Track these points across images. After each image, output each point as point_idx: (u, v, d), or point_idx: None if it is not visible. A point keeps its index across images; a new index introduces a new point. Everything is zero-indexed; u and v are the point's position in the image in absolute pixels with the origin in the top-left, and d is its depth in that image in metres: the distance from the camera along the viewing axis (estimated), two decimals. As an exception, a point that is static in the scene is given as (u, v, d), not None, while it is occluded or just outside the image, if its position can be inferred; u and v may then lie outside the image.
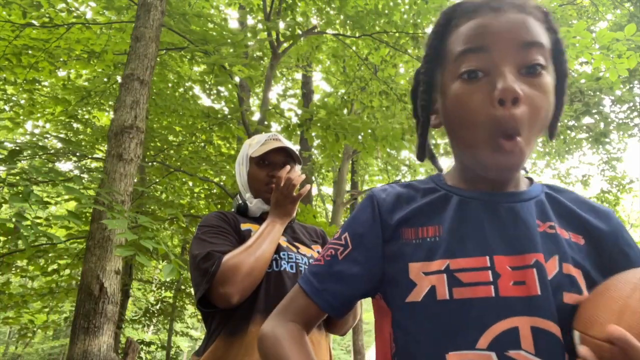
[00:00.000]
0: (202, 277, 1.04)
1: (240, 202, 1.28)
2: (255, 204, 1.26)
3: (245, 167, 1.29)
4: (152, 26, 2.94)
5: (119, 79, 5.50)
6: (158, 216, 4.89)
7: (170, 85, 5.89)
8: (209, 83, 5.45)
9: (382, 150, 4.93)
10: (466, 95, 0.60)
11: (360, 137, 4.61)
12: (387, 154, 6.75)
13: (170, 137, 5.41)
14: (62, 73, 5.88)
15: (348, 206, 10.15)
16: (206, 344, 1.11)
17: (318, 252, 1.32)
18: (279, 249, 1.18)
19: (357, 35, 5.31)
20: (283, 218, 1.20)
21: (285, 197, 1.19)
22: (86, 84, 5.93)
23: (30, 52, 4.73)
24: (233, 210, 1.31)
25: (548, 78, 0.60)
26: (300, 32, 5.10)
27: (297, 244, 1.27)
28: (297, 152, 1.31)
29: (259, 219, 1.27)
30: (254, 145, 1.29)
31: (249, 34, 4.64)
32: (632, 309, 0.50)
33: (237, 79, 5.55)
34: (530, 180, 0.72)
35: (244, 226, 1.21)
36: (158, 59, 4.72)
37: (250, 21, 7.20)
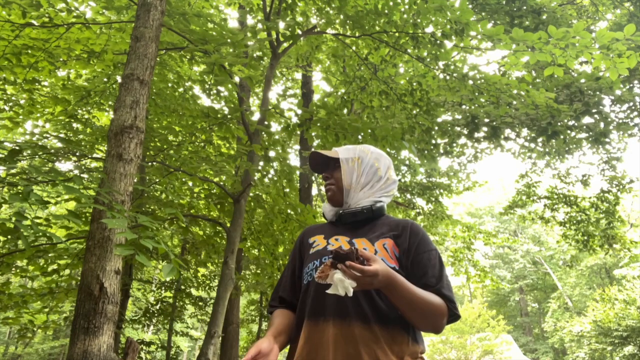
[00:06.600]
0: (271, 302, 1.42)
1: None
2: (327, 211, 1.44)
3: None
4: (152, 26, 2.94)
5: (118, 79, 5.50)
6: (158, 216, 4.89)
7: (170, 85, 5.89)
8: (209, 83, 5.45)
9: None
10: None
11: (360, 137, 4.60)
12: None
13: (170, 137, 5.40)
14: (62, 73, 5.87)
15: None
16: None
17: (385, 245, 1.26)
18: (321, 254, 1.29)
19: (357, 35, 5.30)
20: None
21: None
22: (86, 84, 5.92)
23: (30, 52, 4.72)
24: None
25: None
26: (300, 32, 5.10)
27: (357, 240, 1.29)
28: (335, 156, 1.43)
29: (334, 223, 1.42)
30: None
31: (248, 34, 4.64)
32: None
33: (237, 79, 5.55)
34: None
35: (312, 239, 1.37)
36: (158, 59, 4.72)
37: (250, 21, 7.20)
